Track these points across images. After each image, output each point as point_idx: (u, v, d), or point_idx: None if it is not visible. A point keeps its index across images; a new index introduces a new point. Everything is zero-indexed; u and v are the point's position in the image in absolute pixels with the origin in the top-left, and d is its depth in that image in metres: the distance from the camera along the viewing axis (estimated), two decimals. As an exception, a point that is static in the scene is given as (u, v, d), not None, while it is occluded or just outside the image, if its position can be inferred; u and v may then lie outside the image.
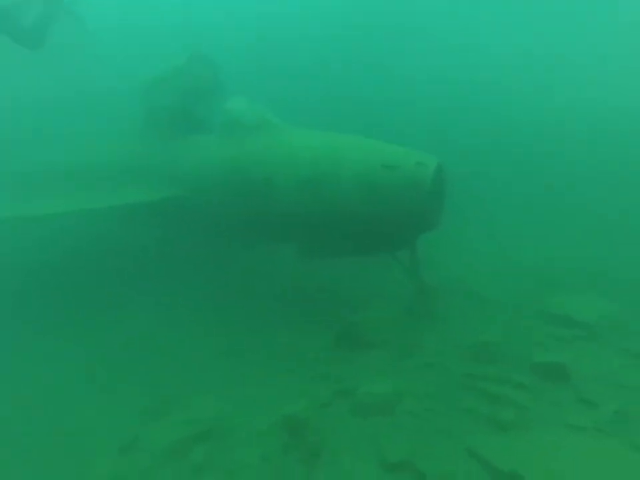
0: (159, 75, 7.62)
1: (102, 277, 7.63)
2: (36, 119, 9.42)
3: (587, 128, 14.06)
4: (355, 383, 4.69)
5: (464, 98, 15.15)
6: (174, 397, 4.71)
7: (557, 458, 3.13)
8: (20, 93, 10.19)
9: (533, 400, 4.16)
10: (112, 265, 7.96)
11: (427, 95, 14.99)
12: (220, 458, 3.81)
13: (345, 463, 3.64)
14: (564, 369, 4.50)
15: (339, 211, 5.82)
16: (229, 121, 6.93)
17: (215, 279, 7.75)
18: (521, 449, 3.35)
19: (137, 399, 4.73)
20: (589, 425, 3.74)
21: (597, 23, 18.23)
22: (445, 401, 4.28)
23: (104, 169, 7.76)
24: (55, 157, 8.53)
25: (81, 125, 9.12)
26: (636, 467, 3.10)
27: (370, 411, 4.20)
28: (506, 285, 7.30)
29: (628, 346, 4.97)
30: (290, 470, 3.62)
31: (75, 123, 9.19)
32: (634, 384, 4.33)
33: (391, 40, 16.96)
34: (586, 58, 17.31)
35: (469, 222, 10.34)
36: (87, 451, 4.04)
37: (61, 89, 10.48)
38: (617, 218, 9.65)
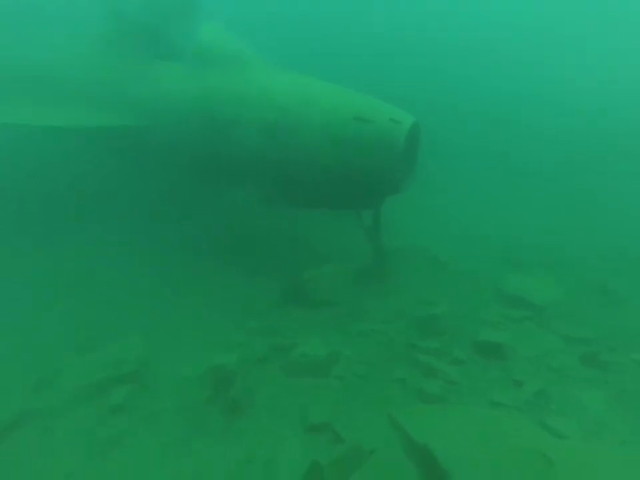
0: None
1: (43, 201, 7.13)
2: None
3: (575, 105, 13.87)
4: (294, 342, 4.60)
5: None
6: (102, 334, 4.53)
7: (468, 433, 3.14)
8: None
9: (465, 376, 4.17)
10: (56, 189, 7.43)
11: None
12: (139, 402, 3.70)
13: (266, 419, 3.59)
14: (502, 349, 4.52)
15: (303, 160, 5.44)
16: (199, 51, 6.23)
17: (167, 216, 7.35)
18: (438, 422, 3.34)
19: (63, 333, 4.53)
20: (509, 403, 3.82)
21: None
22: (379, 370, 4.24)
23: (62, 82, 6.99)
24: (16, 61, 7.61)
25: (45, 28, 8.08)
26: (537, 443, 3.15)
27: (301, 371, 4.12)
28: (467, 255, 7.23)
29: (568, 332, 5.01)
30: (208, 421, 3.54)
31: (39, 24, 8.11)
32: (561, 367, 4.41)
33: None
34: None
35: (441, 188, 10.20)
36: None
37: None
38: (592, 200, 9.71)
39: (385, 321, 5.12)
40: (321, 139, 5.27)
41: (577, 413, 3.78)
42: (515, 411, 3.73)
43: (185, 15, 6.86)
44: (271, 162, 5.67)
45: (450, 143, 11.50)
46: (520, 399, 3.89)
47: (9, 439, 3.37)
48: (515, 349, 4.60)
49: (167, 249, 6.64)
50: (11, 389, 3.74)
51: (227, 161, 6.05)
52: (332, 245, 7.16)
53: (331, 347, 4.48)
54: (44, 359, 4.12)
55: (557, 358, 4.56)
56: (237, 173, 6.27)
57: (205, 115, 5.88)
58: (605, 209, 9.37)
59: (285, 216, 7.40)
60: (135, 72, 6.58)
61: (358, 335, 4.83)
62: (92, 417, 3.55)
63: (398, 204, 6.58)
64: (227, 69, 6.04)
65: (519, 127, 13.58)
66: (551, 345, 4.79)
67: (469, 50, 15.87)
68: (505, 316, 5.31)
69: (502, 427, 3.31)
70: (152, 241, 6.78)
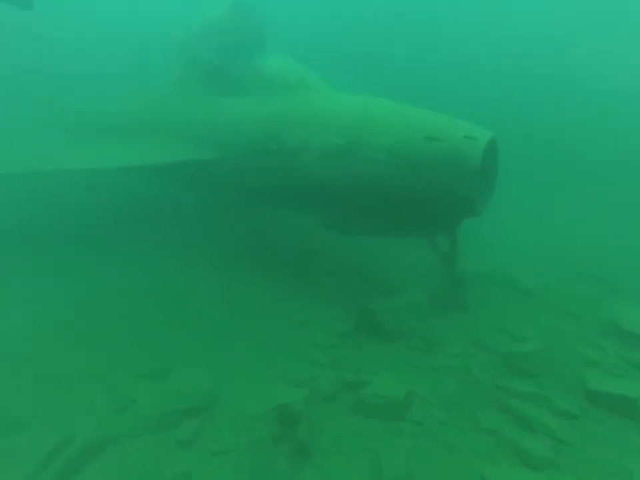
0: (197, 27, 7.22)
1: (121, 230, 7.65)
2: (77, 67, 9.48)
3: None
4: (365, 377, 4.28)
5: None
6: (170, 361, 4.56)
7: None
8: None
9: (580, 436, 3.46)
10: (134, 219, 7.98)
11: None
12: (207, 437, 3.61)
13: (335, 467, 3.29)
14: (630, 404, 3.66)
15: (371, 185, 5.23)
16: (266, 81, 6.48)
17: (238, 242, 7.53)
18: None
19: (132, 357, 4.66)
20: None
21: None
22: (463, 415, 3.74)
23: (138, 124, 7.67)
24: (94, 107, 8.59)
25: (121, 75, 9.07)
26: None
27: (373, 412, 3.78)
28: (555, 281, 6.43)
29: None
30: (275, 464, 3.33)
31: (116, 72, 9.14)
32: None
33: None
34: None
35: (515, 203, 9.34)
36: (78, 406, 4.00)
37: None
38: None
39: (465, 356, 4.59)
40: (389, 161, 5.04)
41: None
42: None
43: (251, 51, 7.17)
44: (338, 187, 5.55)
45: (521, 152, 10.60)
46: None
47: (93, 462, 3.41)
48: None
49: (232, 276, 6.75)
50: (92, 411, 3.86)
51: (293, 187, 6.05)
52: (405, 272, 6.78)
53: (405, 385, 4.08)
54: (118, 384, 4.23)
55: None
56: (304, 199, 6.24)
57: (271, 143, 5.97)
58: None
59: (354, 242, 7.21)
60: (207, 110, 6.99)
61: (434, 371, 4.37)
62: (161, 449, 3.53)
63: (472, 223, 6.06)
64: (291, 96, 6.14)
65: (598, 129, 12.14)
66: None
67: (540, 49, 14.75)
68: (623, 359, 4.48)
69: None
70: (216, 267, 6.93)
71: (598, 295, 6.12)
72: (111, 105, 8.53)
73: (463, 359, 4.56)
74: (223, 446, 3.51)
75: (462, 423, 3.65)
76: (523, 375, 4.17)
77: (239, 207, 8.06)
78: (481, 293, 6.21)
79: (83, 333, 5.06)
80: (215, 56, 7.00)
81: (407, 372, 4.39)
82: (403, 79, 12.91)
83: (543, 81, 14.06)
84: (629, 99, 13.26)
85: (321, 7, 16.05)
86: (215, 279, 6.69)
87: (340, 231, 6.14)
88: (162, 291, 6.26)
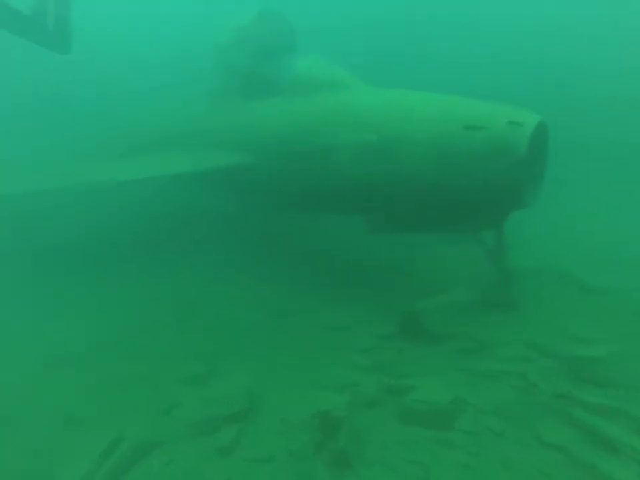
0: (226, 36, 7.32)
1: (159, 238, 7.86)
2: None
3: None
4: (410, 382, 4.04)
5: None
6: (216, 368, 4.56)
7: None
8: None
9: None
10: (174, 229, 8.18)
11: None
12: (246, 444, 3.53)
13: (377, 478, 3.10)
14: None
15: (411, 181, 5.00)
16: (296, 82, 6.43)
17: (277, 247, 7.52)
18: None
19: (182, 364, 4.70)
20: None
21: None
22: (521, 426, 3.39)
23: (178, 134, 7.89)
24: (139, 122, 8.97)
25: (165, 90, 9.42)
26: None
27: (420, 420, 3.54)
28: (619, 276, 5.81)
29: None
30: (315, 473, 3.19)
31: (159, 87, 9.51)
32: None
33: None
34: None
35: (568, 193, 8.61)
36: (128, 409, 4.09)
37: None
38: None
39: (520, 360, 4.22)
40: (427, 155, 4.79)
41: None
42: None
43: (284, 53, 7.16)
44: (374, 185, 5.36)
45: (574, 138, 9.84)
46: None
47: (140, 464, 3.46)
48: None
49: (272, 280, 6.72)
50: (140, 415, 3.93)
51: (329, 188, 5.92)
52: (450, 271, 6.45)
53: (453, 391, 3.80)
54: (165, 388, 4.29)
55: None
56: (341, 200, 6.09)
57: (303, 143, 5.90)
58: None
59: (395, 242, 6.97)
60: (241, 114, 7.05)
61: (485, 376, 4.04)
62: (202, 455, 3.50)
63: (521, 215, 5.63)
64: (322, 94, 6.03)
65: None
66: None
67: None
68: None
69: None
70: (257, 271, 6.94)
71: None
72: (157, 120, 8.86)
73: (518, 362, 4.19)
74: (262, 453, 3.41)
75: (520, 436, 3.32)
76: (591, 384, 3.72)
77: (279, 212, 8.06)
78: (535, 290, 5.74)
79: (133, 341, 5.22)
80: (246, 62, 7.05)
81: (455, 377, 4.09)
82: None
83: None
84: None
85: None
86: (252, 286, 6.69)
87: (381, 231, 5.93)
88: (203, 300, 6.34)
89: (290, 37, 7.18)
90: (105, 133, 9.63)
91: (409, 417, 3.59)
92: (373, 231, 6.01)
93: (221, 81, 7.76)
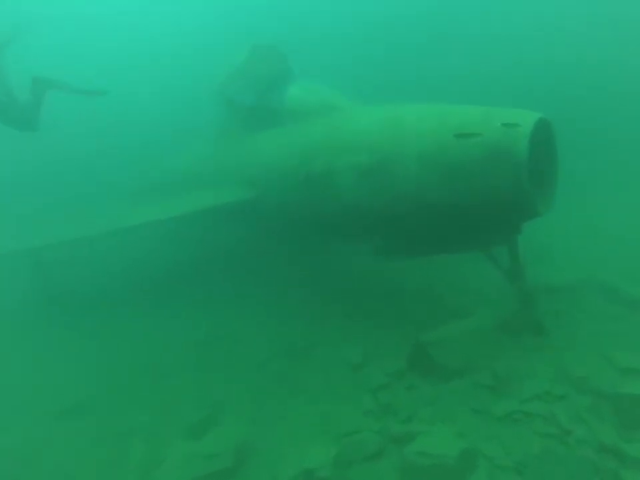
0: (224, 73, 7.43)
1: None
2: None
3: None
4: (418, 428, 3.53)
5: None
6: (214, 416, 4.28)
7: None
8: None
9: None
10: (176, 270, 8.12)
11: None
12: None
13: None
14: None
15: (408, 200, 4.61)
16: (290, 110, 6.35)
17: (289, 278, 7.24)
18: None
19: (180, 412, 4.46)
20: None
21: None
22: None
23: (186, 175, 8.02)
24: (152, 168, 9.27)
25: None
26: None
27: (421, 476, 3.02)
28: None
29: None
30: None
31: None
32: None
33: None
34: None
35: (593, 196, 7.75)
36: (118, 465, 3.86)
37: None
38: None
39: (551, 398, 3.56)
40: (422, 171, 4.41)
41: None
42: None
43: (282, 83, 7.12)
44: (374, 207, 5.01)
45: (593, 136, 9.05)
46: None
47: None
48: None
49: (284, 313, 6.42)
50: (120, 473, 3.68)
51: (330, 215, 5.64)
52: (469, 295, 5.84)
53: (465, 440, 3.24)
54: (154, 444, 4.03)
55: None
56: (343, 226, 5.78)
57: (301, 172, 5.71)
58: None
59: (403, 267, 6.49)
60: (242, 149, 7.04)
61: (506, 420, 3.43)
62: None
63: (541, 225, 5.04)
64: (315, 120, 5.88)
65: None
66: None
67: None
68: None
69: None
70: (268, 305, 6.68)
71: None
72: (168, 165, 9.12)
73: (547, 402, 3.53)
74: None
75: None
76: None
77: (286, 245, 7.86)
78: (569, 309, 5.03)
79: (139, 388, 5.08)
80: (244, 96, 7.09)
81: (468, 421, 3.52)
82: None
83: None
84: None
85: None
86: (263, 321, 6.44)
87: (388, 257, 5.52)
88: (212, 339, 6.18)
89: (285, 67, 7.16)
90: (122, 181, 10.03)
91: (411, 474, 3.07)
92: (381, 257, 5.61)
93: (222, 118, 7.87)
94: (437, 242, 4.85)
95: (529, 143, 3.80)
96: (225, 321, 6.75)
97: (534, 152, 3.94)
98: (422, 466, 3.04)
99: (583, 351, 4.08)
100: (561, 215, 7.88)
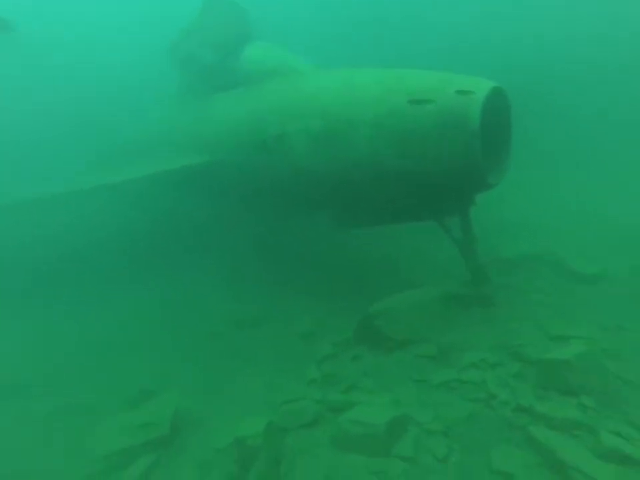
0: (183, 30, 6.95)
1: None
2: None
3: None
4: (356, 397, 3.54)
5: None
6: (146, 388, 4.17)
7: None
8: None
9: None
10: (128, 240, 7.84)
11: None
12: (160, 476, 3.10)
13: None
14: None
15: (361, 166, 4.47)
16: (248, 72, 6.02)
17: (245, 255, 7.10)
18: None
19: (126, 385, 4.32)
20: None
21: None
22: (471, 449, 2.83)
23: (143, 140, 7.62)
24: (109, 132, 8.76)
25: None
26: None
27: (354, 445, 3.02)
28: (617, 263, 5.12)
29: None
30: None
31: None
32: None
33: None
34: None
35: (557, 169, 7.88)
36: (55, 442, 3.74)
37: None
38: None
39: (486, 367, 3.61)
40: (375, 136, 4.25)
41: None
42: None
43: (236, 43, 6.70)
44: (328, 173, 4.85)
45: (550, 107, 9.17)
46: None
47: None
48: None
49: (241, 286, 6.32)
50: (58, 452, 3.56)
51: (285, 182, 5.46)
52: (425, 265, 5.85)
53: (400, 408, 3.26)
54: (94, 418, 3.90)
55: None
56: (297, 194, 5.62)
57: (256, 136, 5.47)
58: None
59: (362, 238, 6.43)
60: (197, 112, 6.69)
61: (441, 388, 3.47)
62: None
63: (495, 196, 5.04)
64: (272, 82, 5.61)
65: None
66: None
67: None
68: None
69: None
70: (223, 281, 6.56)
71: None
72: (125, 129, 8.64)
73: (482, 370, 3.58)
74: (170, 490, 2.97)
75: (467, 462, 2.76)
76: (559, 392, 3.11)
77: (245, 213, 7.64)
78: (521, 281, 5.10)
79: (90, 365, 4.92)
80: (200, 55, 6.67)
81: (407, 390, 3.54)
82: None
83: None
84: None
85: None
86: (219, 293, 6.34)
87: (343, 226, 5.41)
88: (166, 311, 6.06)
89: (243, 24, 6.73)
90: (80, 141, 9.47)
91: (343, 441, 3.07)
92: (336, 226, 5.51)
93: (179, 80, 7.45)
94: (390, 210, 4.77)
95: (481, 111, 3.68)
96: (179, 291, 6.61)
97: (488, 121, 3.83)
98: (353, 434, 3.03)
99: (523, 322, 4.15)
100: (527, 190, 7.94)
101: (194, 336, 5.35)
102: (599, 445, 2.56)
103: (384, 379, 3.75)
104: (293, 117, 5.00)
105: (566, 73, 11.15)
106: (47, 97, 10.15)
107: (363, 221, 5.06)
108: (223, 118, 6.04)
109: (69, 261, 7.32)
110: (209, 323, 5.63)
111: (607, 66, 11.14)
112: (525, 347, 3.71)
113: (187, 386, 4.23)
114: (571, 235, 6.18)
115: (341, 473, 2.86)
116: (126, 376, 4.53)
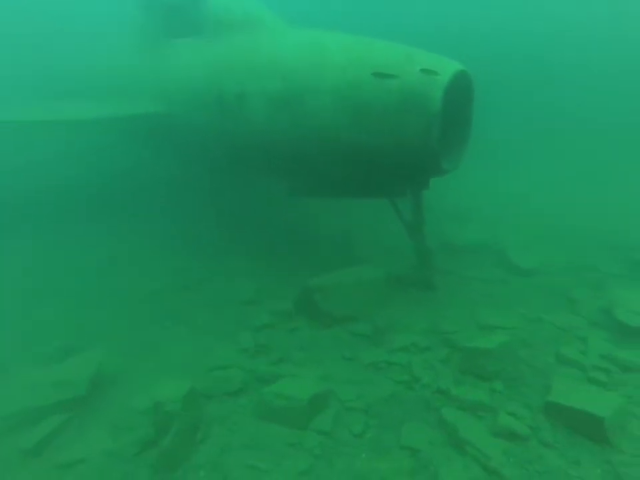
0: None
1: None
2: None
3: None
4: (286, 370, 3.56)
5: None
6: (83, 342, 4.01)
7: None
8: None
9: (521, 467, 2.51)
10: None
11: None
12: (61, 442, 2.96)
13: (201, 487, 2.60)
14: (595, 424, 2.62)
15: (317, 135, 4.29)
16: (212, 20, 5.54)
17: (189, 209, 6.81)
18: None
19: (52, 338, 4.10)
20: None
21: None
22: (384, 426, 2.92)
23: (99, 81, 6.96)
24: (63, 68, 7.93)
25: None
26: None
27: (275, 416, 3.03)
28: (552, 254, 5.43)
29: None
30: (136, 477, 2.67)
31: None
32: None
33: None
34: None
35: (497, 160, 8.21)
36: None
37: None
38: None
39: (415, 350, 3.71)
40: (334, 106, 4.06)
41: None
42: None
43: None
44: (285, 140, 4.63)
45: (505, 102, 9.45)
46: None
47: None
48: (625, 429, 2.72)
49: (187, 251, 6.08)
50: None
51: (240, 143, 5.17)
52: (372, 242, 5.87)
53: (326, 383, 3.29)
54: (10, 371, 3.67)
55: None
56: (253, 158, 5.36)
57: (215, 92, 5.10)
58: None
59: (318, 210, 6.34)
60: (159, 59, 6.14)
61: (369, 368, 3.53)
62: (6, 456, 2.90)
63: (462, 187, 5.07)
64: (237, 35, 5.19)
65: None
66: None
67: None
68: (607, 357, 3.44)
69: None
70: (174, 237, 6.30)
71: (609, 274, 5.03)
72: (82, 68, 7.82)
73: (411, 353, 3.68)
74: (79, 454, 2.86)
75: (380, 438, 2.85)
76: (476, 377, 3.26)
77: (197, 172, 7.28)
78: (463, 269, 5.23)
79: (18, 312, 4.64)
80: None
81: (336, 366, 3.59)
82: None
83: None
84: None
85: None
86: (164, 252, 6.07)
87: (298, 194, 5.26)
88: (107, 266, 5.75)
89: None
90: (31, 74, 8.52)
91: (265, 412, 3.08)
92: (291, 193, 5.35)
93: (140, 18, 6.75)
94: (343, 183, 4.66)
95: (443, 94, 3.59)
96: (124, 247, 6.27)
97: (449, 105, 3.75)
98: (276, 406, 3.04)
99: (457, 309, 4.28)
100: (481, 180, 8.07)
101: (131, 292, 5.13)
102: (495, 424, 2.78)
103: (316, 354, 3.78)
104: (253, 76, 4.68)
105: (525, 68, 11.32)
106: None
107: (316, 191, 4.94)
108: (184, 69, 5.57)
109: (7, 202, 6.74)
110: (149, 280, 5.41)
111: (561, 63, 11.41)
112: (455, 333, 3.83)
113: (115, 344, 4.06)
114: (519, 228, 6.38)
115: (257, 443, 2.87)
116: (47, 330, 4.29)
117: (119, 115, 5.79)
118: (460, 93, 3.91)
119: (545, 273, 5.14)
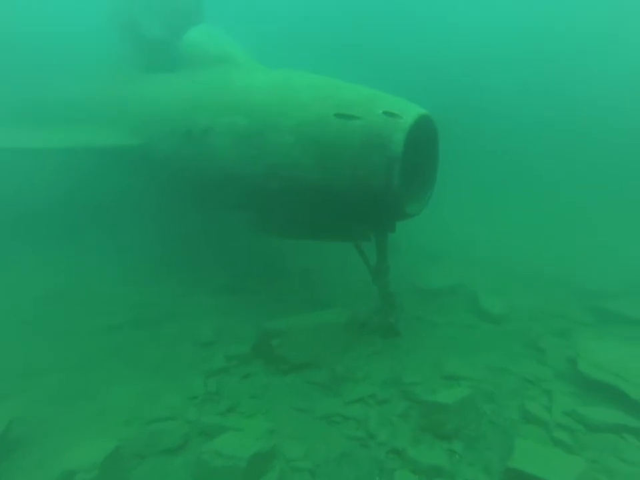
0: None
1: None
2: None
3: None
4: (230, 422, 3.26)
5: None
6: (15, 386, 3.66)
7: None
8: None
9: None
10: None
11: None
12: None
13: None
14: None
15: (280, 173, 4.20)
16: (187, 55, 5.61)
17: (153, 242, 6.59)
18: None
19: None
20: None
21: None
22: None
23: (72, 108, 6.88)
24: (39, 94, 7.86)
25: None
26: None
27: (213, 477, 2.72)
28: (524, 299, 5.41)
29: None
30: None
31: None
32: None
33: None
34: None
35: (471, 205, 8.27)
36: None
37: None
38: None
39: (373, 402, 3.46)
40: (296, 145, 4.00)
41: None
42: None
43: (188, 21, 6.22)
44: (248, 176, 4.53)
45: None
46: None
47: None
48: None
49: (147, 283, 5.80)
50: None
51: (207, 178, 5.07)
52: (337, 285, 5.69)
53: (273, 438, 3.01)
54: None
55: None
56: (218, 193, 5.26)
57: (184, 125, 5.04)
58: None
59: (285, 248, 6.19)
60: (133, 90, 6.14)
61: (322, 421, 3.28)
62: None
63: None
64: (209, 71, 5.24)
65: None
66: None
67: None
68: (578, 419, 3.20)
69: None
70: (131, 274, 6.02)
71: (576, 322, 4.96)
72: (56, 93, 7.76)
73: (368, 405, 3.44)
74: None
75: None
76: (435, 436, 3.02)
77: (164, 202, 7.12)
78: (428, 314, 5.08)
79: None
80: (142, 23, 6.12)
81: (287, 418, 3.32)
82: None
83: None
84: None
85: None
86: (123, 285, 5.77)
87: (259, 231, 5.12)
88: (58, 297, 5.40)
89: (196, 3, 6.28)
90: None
91: (203, 474, 2.77)
92: (254, 231, 5.21)
93: (118, 49, 6.82)
94: (305, 224, 4.55)
95: (406, 137, 3.57)
96: (79, 277, 5.95)
97: (412, 149, 3.73)
98: (213, 467, 2.74)
99: (421, 357, 4.09)
100: (452, 222, 8.08)
101: (77, 328, 4.78)
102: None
103: (268, 404, 3.50)
104: (221, 112, 4.66)
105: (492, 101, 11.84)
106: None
107: (279, 230, 4.81)
108: (157, 102, 5.56)
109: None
110: (101, 315, 5.08)
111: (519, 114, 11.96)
112: (416, 385, 3.62)
113: (43, 390, 3.70)
114: (488, 271, 6.33)
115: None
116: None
117: (92, 145, 5.67)
118: (424, 137, 3.91)
119: (514, 319, 5.03)
